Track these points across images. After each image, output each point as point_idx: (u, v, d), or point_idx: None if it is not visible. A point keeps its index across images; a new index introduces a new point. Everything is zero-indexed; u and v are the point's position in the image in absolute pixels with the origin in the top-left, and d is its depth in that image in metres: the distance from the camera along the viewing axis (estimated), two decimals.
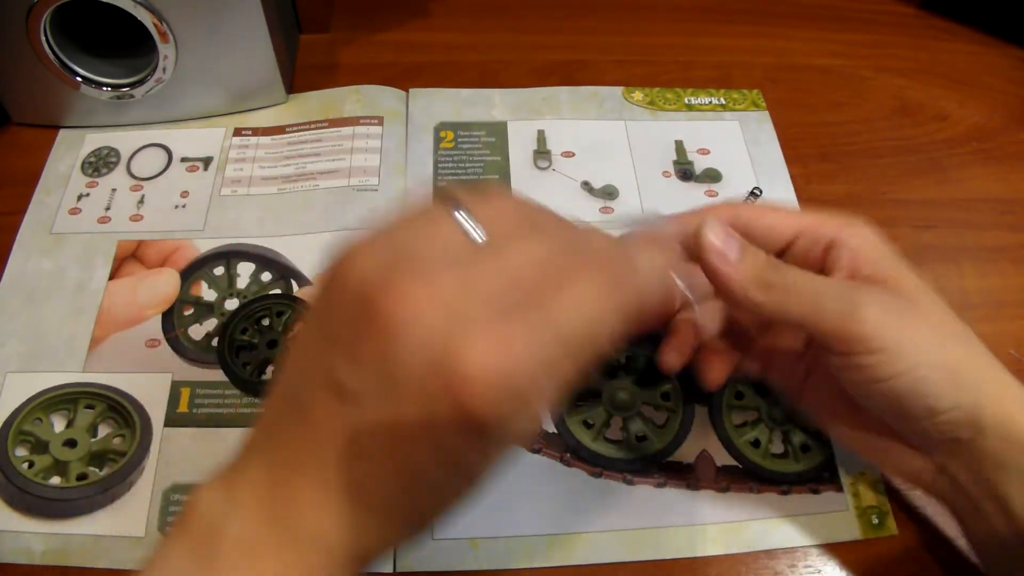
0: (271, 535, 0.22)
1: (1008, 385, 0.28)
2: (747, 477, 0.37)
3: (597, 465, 0.37)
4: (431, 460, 0.21)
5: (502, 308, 0.20)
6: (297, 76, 0.52)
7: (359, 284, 0.21)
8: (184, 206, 0.45)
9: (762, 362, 0.35)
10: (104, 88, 0.45)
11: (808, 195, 0.47)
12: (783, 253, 0.31)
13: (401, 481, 0.21)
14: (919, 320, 0.28)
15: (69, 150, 0.47)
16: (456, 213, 0.22)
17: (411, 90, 0.52)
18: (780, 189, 0.48)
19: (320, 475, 0.22)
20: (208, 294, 0.42)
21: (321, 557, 0.22)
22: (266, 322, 0.40)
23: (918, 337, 0.27)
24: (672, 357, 0.34)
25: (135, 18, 0.42)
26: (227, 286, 0.42)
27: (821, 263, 0.30)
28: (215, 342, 0.40)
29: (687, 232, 0.29)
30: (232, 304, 0.41)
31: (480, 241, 0.22)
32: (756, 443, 0.38)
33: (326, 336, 0.22)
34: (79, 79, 0.45)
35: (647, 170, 0.48)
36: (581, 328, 0.21)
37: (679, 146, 0.50)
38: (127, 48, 0.45)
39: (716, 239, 0.28)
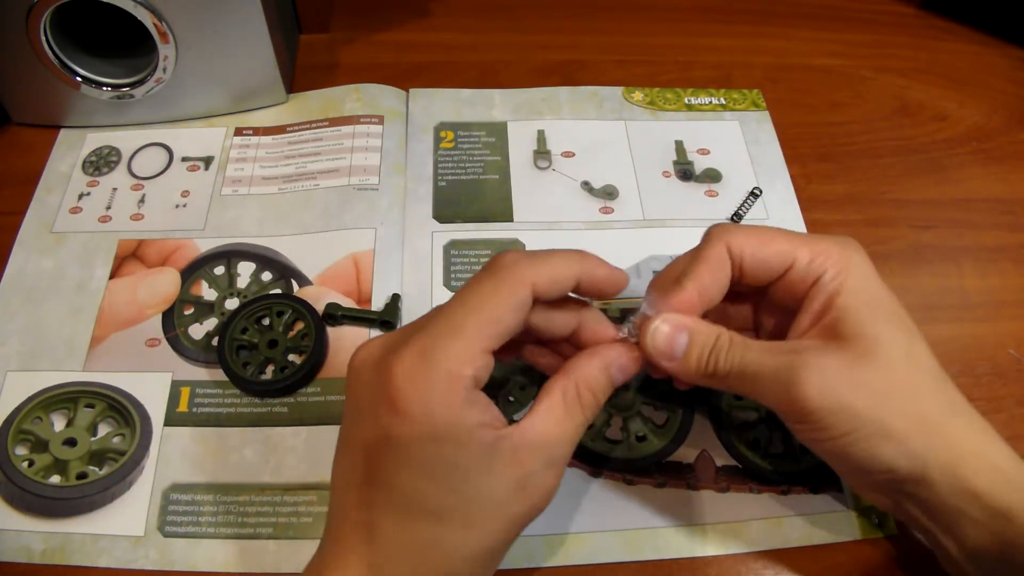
0: None
1: (959, 438, 0.28)
2: (747, 477, 0.37)
3: (597, 465, 0.37)
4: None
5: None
6: (297, 76, 0.52)
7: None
8: (185, 205, 0.45)
9: None
10: (104, 88, 0.45)
11: (808, 195, 0.47)
12: (776, 281, 0.31)
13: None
14: (863, 384, 0.28)
15: (70, 150, 0.47)
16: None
17: (411, 90, 0.52)
18: (780, 189, 0.48)
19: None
20: (208, 293, 0.42)
21: None
22: (266, 322, 0.40)
23: (857, 403, 0.27)
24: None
25: (135, 18, 0.42)
26: (227, 285, 0.42)
27: (803, 297, 0.30)
28: (215, 342, 0.40)
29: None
30: (232, 304, 0.41)
31: None
32: (756, 443, 0.38)
33: (371, 471, 0.27)
34: (79, 79, 0.45)
35: (647, 170, 0.48)
36: (466, 323, 0.26)
37: (679, 146, 0.50)
38: (127, 48, 0.45)
39: (661, 343, 0.29)
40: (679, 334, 0.29)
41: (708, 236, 0.31)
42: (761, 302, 0.34)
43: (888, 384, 0.28)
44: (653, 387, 0.39)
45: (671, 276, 0.31)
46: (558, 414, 0.28)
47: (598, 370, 0.29)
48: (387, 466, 0.26)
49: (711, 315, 0.31)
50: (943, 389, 0.29)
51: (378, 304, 0.41)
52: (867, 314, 0.29)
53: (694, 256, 0.31)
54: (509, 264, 0.27)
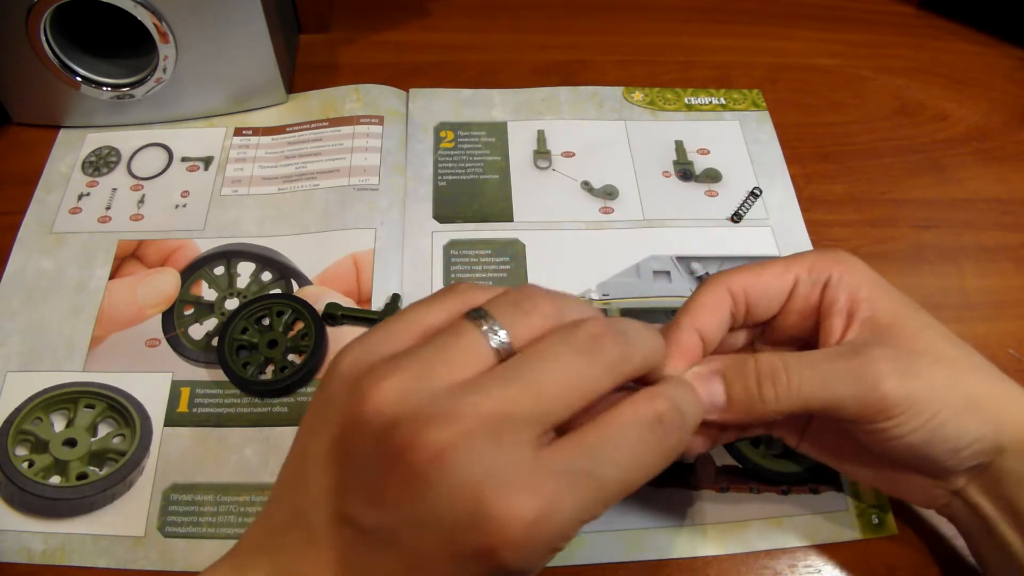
0: None
1: (1021, 403, 0.28)
2: (747, 477, 0.37)
3: None
4: None
5: (539, 451, 0.20)
6: (297, 76, 0.52)
7: (383, 428, 0.20)
8: (184, 206, 0.45)
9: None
10: (104, 88, 0.45)
11: (808, 195, 0.47)
12: (786, 304, 0.30)
13: None
14: (931, 365, 0.27)
15: (69, 150, 0.47)
16: (480, 324, 0.22)
17: (411, 90, 0.52)
18: (780, 189, 0.48)
19: None
20: (208, 294, 0.42)
21: None
22: (266, 322, 0.40)
23: (932, 385, 0.27)
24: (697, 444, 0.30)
25: (135, 18, 0.42)
26: (227, 286, 0.42)
27: (819, 305, 0.30)
28: (215, 342, 0.40)
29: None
30: (232, 304, 0.41)
31: (507, 350, 0.22)
32: (756, 443, 0.37)
33: (339, 470, 0.22)
34: (79, 79, 0.45)
35: (647, 170, 0.48)
36: (623, 481, 0.21)
37: (679, 146, 0.50)
38: (127, 48, 0.45)
39: (700, 402, 0.26)
40: (710, 381, 0.27)
41: (703, 284, 0.30)
42: (759, 339, 0.33)
43: (951, 359, 0.28)
44: None
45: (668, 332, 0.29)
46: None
47: None
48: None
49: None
50: (986, 360, 0.29)
51: (378, 304, 0.41)
52: (895, 302, 0.29)
53: (688, 302, 0.30)
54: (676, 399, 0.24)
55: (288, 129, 0.49)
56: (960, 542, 0.35)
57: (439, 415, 0.20)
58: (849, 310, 0.29)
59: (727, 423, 0.28)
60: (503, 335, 0.22)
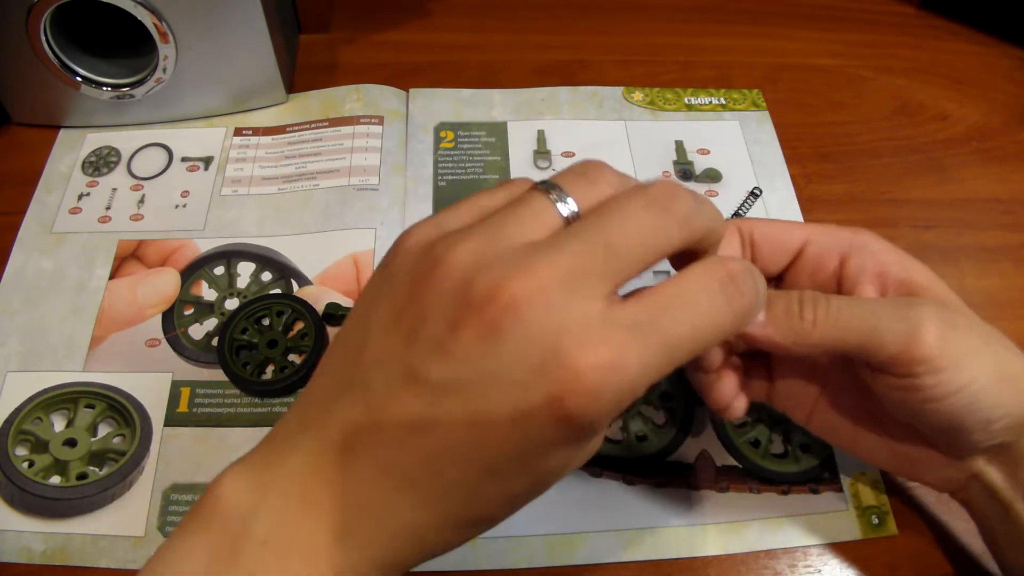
0: (309, 537, 0.21)
1: None
2: (747, 477, 0.37)
3: (597, 465, 0.37)
4: (509, 459, 0.20)
5: (610, 305, 0.20)
6: (297, 76, 0.52)
7: (458, 284, 0.20)
8: (184, 206, 0.45)
9: (767, 388, 0.32)
10: (104, 88, 0.45)
11: (808, 195, 0.47)
12: (793, 264, 0.30)
13: (468, 477, 0.21)
14: (970, 330, 0.27)
15: (69, 150, 0.47)
16: (548, 193, 0.22)
17: (411, 90, 0.52)
18: (780, 189, 0.48)
19: (379, 466, 0.21)
20: (208, 294, 0.42)
21: (368, 562, 0.21)
22: (266, 322, 0.40)
23: (973, 349, 0.26)
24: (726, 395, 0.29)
25: (135, 18, 0.42)
26: (227, 286, 0.42)
27: (837, 275, 0.29)
28: (215, 342, 0.40)
29: None
30: (232, 304, 0.41)
31: (576, 217, 0.22)
32: (756, 443, 0.38)
33: (407, 327, 0.21)
34: (79, 79, 0.45)
35: (647, 170, 0.48)
36: (693, 338, 0.21)
37: (679, 146, 0.50)
38: (127, 48, 0.45)
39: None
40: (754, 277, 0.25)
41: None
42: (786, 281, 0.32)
43: (982, 329, 0.27)
44: (653, 387, 0.39)
45: None
46: None
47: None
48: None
49: None
50: (1010, 341, 0.28)
51: None
52: (925, 269, 0.28)
53: None
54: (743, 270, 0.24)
55: (288, 129, 0.49)
56: (960, 542, 0.35)
57: (514, 270, 0.20)
58: (880, 274, 0.28)
59: (765, 344, 0.26)
60: (571, 202, 0.22)
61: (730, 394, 0.28)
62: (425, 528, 0.21)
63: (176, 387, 0.38)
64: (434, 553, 0.22)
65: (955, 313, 0.27)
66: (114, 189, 0.46)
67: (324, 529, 0.21)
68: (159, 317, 0.41)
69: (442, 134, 0.50)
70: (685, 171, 0.48)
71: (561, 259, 0.20)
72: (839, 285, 0.29)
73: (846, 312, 0.26)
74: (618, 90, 0.52)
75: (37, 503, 0.35)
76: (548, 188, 0.22)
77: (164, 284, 0.42)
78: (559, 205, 0.22)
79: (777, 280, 0.31)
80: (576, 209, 0.22)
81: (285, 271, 0.43)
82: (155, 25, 0.42)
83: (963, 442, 0.28)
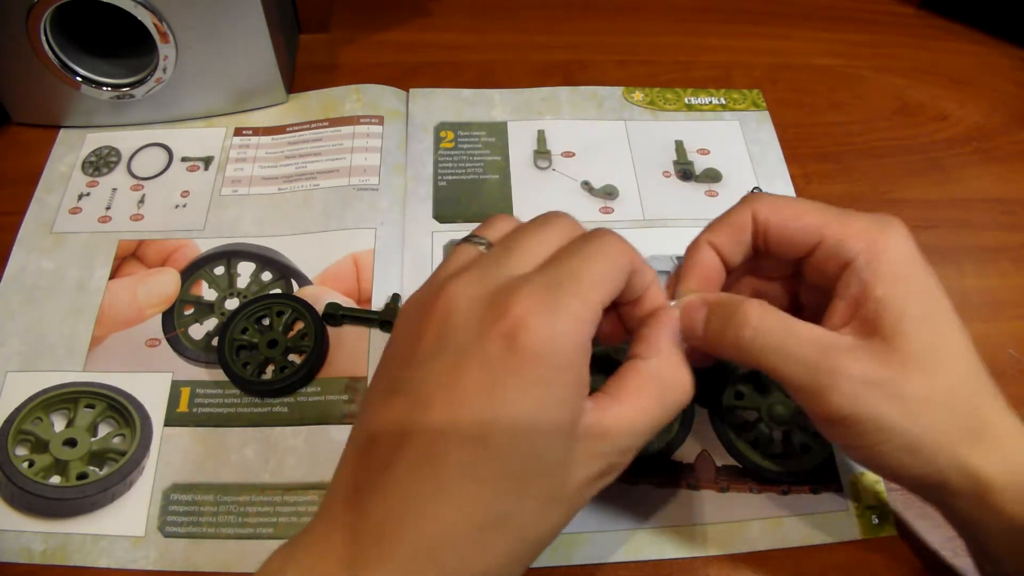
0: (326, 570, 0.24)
1: (988, 451, 0.27)
2: (747, 477, 0.37)
3: None
4: (496, 399, 0.23)
5: (531, 278, 0.25)
6: (297, 76, 0.52)
7: (405, 319, 0.27)
8: (184, 206, 0.45)
9: None
10: (104, 88, 0.45)
11: (808, 195, 0.47)
12: (806, 257, 0.30)
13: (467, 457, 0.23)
14: (897, 396, 0.26)
15: (69, 150, 0.47)
16: (472, 242, 0.28)
17: (411, 90, 0.52)
18: (780, 189, 0.48)
19: (387, 486, 0.24)
20: (208, 294, 0.42)
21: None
22: (266, 322, 0.40)
23: (890, 415, 0.26)
24: None
25: (135, 18, 0.42)
26: (227, 286, 0.42)
27: (835, 279, 0.29)
28: (215, 342, 0.40)
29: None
30: (232, 304, 0.41)
31: (487, 248, 0.28)
32: (756, 443, 0.38)
33: (383, 373, 0.27)
34: (79, 79, 0.45)
35: (647, 170, 0.48)
36: (587, 273, 0.25)
37: (679, 146, 0.50)
38: (127, 48, 0.45)
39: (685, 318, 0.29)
40: (698, 309, 0.29)
41: (740, 201, 0.31)
42: (801, 278, 0.32)
43: (925, 394, 0.27)
44: None
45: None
46: (646, 404, 0.26)
47: (680, 360, 0.27)
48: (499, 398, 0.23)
49: (748, 276, 0.32)
50: (980, 395, 0.28)
51: (378, 304, 0.41)
52: (908, 309, 0.27)
53: (718, 217, 0.31)
54: (609, 232, 0.27)
55: (288, 129, 0.49)
56: (959, 542, 0.35)
57: (444, 282, 0.26)
58: (856, 301, 0.28)
59: (703, 349, 0.29)
60: (485, 243, 0.28)
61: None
62: (448, 533, 0.23)
63: (176, 387, 0.38)
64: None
65: (887, 368, 0.26)
66: (114, 189, 0.46)
67: (337, 560, 0.23)
68: (159, 317, 0.41)
69: (442, 134, 0.50)
70: (685, 171, 0.48)
71: (475, 272, 0.26)
72: (834, 290, 0.29)
73: (768, 345, 0.27)
74: (618, 90, 0.52)
75: (37, 503, 0.35)
76: (472, 239, 0.29)
77: (164, 284, 0.42)
78: (478, 246, 0.28)
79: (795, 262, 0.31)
80: (489, 242, 0.29)
81: (285, 271, 0.43)
82: (155, 25, 0.42)
83: (892, 480, 0.30)
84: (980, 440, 0.27)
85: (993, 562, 0.28)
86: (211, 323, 0.41)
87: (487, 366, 0.23)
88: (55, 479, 0.35)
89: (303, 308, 0.40)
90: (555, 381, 0.23)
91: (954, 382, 0.27)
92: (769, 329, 0.27)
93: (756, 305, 0.28)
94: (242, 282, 0.42)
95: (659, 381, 0.27)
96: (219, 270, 0.43)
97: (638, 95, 0.52)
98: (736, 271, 0.32)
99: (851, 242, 0.28)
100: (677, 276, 0.31)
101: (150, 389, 0.38)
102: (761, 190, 0.47)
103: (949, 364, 0.27)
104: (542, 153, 0.49)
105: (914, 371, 0.27)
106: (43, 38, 0.42)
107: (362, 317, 0.40)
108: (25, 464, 0.36)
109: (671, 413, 0.27)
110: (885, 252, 0.28)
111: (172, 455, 0.36)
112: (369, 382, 0.28)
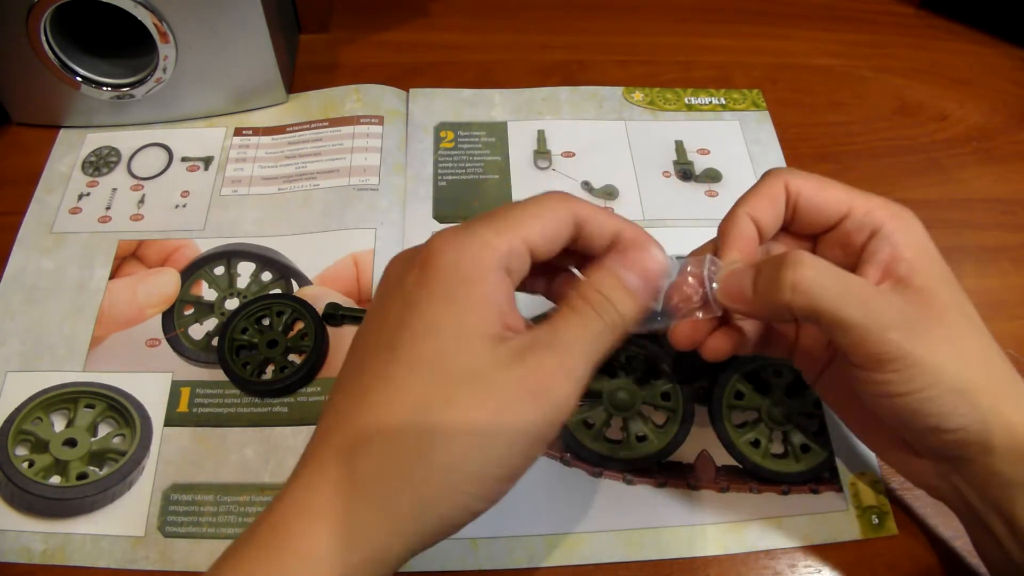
0: (306, 533, 0.23)
1: (1022, 406, 0.28)
2: (747, 477, 0.37)
3: (597, 465, 0.37)
4: (484, 338, 0.25)
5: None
6: (297, 76, 0.52)
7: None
8: (184, 206, 0.45)
9: (788, 344, 0.34)
10: (104, 88, 0.45)
11: None
12: (829, 231, 0.31)
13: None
14: (941, 339, 0.27)
15: (69, 150, 0.47)
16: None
17: (411, 90, 0.52)
18: None
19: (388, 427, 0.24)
20: (208, 294, 0.42)
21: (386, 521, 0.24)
22: (266, 322, 0.40)
23: (936, 358, 0.27)
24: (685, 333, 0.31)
25: (135, 18, 0.42)
26: (227, 286, 0.42)
27: (861, 250, 0.30)
28: (215, 342, 0.40)
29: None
30: (232, 304, 0.41)
31: None
32: (756, 443, 0.38)
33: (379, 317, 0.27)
34: (79, 79, 0.45)
35: (647, 170, 0.48)
36: (510, 212, 0.26)
37: (679, 146, 0.50)
38: (127, 48, 0.45)
39: (734, 286, 0.29)
40: (744, 274, 0.29)
41: (766, 174, 0.31)
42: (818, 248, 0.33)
43: (964, 342, 0.28)
44: (653, 387, 0.39)
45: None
46: (570, 319, 0.26)
47: (609, 271, 0.27)
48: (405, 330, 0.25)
49: None
50: (1003, 358, 0.29)
51: None
52: (935, 273, 0.29)
53: (750, 190, 0.31)
54: (555, 191, 0.28)
55: (288, 129, 0.49)
56: (960, 542, 0.35)
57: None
58: (888, 264, 0.29)
59: (750, 314, 0.29)
60: None
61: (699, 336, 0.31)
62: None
63: (176, 387, 0.38)
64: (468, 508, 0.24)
65: (930, 318, 0.27)
66: (114, 189, 0.46)
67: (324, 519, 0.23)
68: (159, 317, 0.41)
69: (442, 134, 0.50)
70: (685, 171, 0.48)
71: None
72: (859, 258, 0.30)
73: (823, 284, 0.27)
74: (618, 90, 0.52)
75: (37, 503, 0.35)
76: None
77: (164, 284, 0.42)
78: None
79: (813, 239, 0.32)
80: None
81: (285, 271, 0.42)
82: (155, 25, 0.42)
83: (923, 443, 0.29)
84: (1018, 394, 0.28)
85: (1017, 537, 0.28)
86: (211, 323, 0.41)
87: (403, 291, 0.26)
88: (55, 479, 0.35)
89: (303, 308, 0.40)
90: (458, 296, 0.25)
91: (987, 339, 0.29)
92: (826, 272, 0.27)
93: (806, 253, 0.28)
94: (242, 282, 0.42)
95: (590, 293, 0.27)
96: (219, 270, 0.43)
97: (638, 95, 0.52)
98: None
99: (878, 212, 0.30)
100: (713, 246, 0.31)
101: (150, 389, 0.38)
102: None
103: (974, 328, 0.29)
104: (542, 153, 0.49)
105: (954, 321, 0.28)
106: (43, 38, 0.42)
107: (362, 317, 0.40)
108: (25, 464, 0.36)
109: (600, 338, 0.26)
110: (908, 226, 0.30)
111: (172, 455, 0.36)
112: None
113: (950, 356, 0.27)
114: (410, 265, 0.26)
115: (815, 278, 0.27)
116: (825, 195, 0.31)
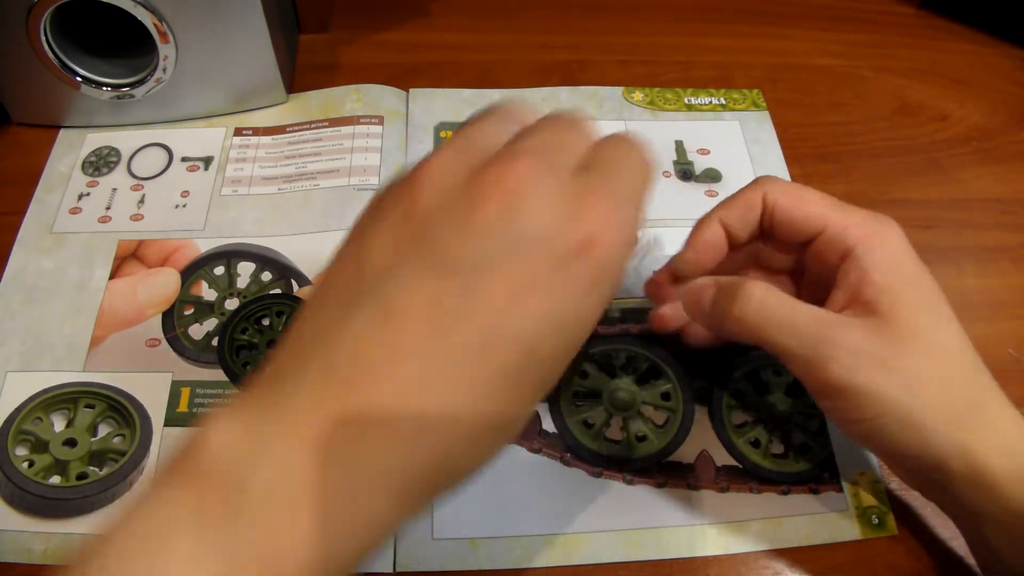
0: (322, 485, 0.18)
1: (985, 434, 0.27)
2: (747, 477, 0.37)
3: (597, 465, 0.37)
4: (547, 321, 0.21)
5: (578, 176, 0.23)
6: (297, 76, 0.52)
7: (449, 179, 0.22)
8: (184, 206, 0.45)
9: None
10: (104, 88, 0.45)
11: None
12: (808, 243, 0.31)
13: (510, 357, 0.20)
14: (893, 370, 0.27)
15: (69, 150, 0.47)
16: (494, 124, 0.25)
17: (411, 90, 0.52)
18: None
19: (408, 377, 0.20)
20: (208, 294, 0.42)
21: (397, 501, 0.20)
22: (266, 322, 0.40)
23: (886, 388, 0.27)
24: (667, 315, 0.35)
25: (135, 18, 0.42)
26: (227, 286, 0.42)
27: (835, 269, 0.30)
28: (215, 342, 0.40)
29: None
30: (232, 304, 0.41)
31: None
32: (756, 443, 0.38)
33: (414, 229, 0.21)
34: (79, 79, 0.45)
35: None
36: (639, 194, 0.24)
37: (679, 146, 0.50)
38: (127, 48, 0.45)
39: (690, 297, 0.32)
40: (705, 290, 0.31)
41: (752, 182, 0.33)
42: (803, 274, 0.34)
43: (921, 372, 0.27)
44: (653, 387, 0.39)
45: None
46: None
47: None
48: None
49: (752, 269, 0.34)
50: (976, 380, 0.29)
51: None
52: (904, 295, 0.28)
53: (732, 195, 0.33)
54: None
55: (288, 129, 0.49)
56: (959, 542, 0.35)
57: (508, 159, 0.22)
58: (856, 289, 0.29)
59: (707, 327, 0.32)
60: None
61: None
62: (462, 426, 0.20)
63: (176, 387, 0.38)
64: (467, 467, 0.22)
65: (886, 344, 0.27)
66: (114, 189, 0.46)
67: (339, 481, 0.19)
68: (159, 317, 0.41)
69: (442, 134, 0.50)
70: (685, 171, 0.48)
71: (536, 148, 0.22)
72: (834, 279, 0.30)
73: (768, 318, 0.28)
74: (618, 90, 0.52)
75: (37, 503, 0.35)
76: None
77: (164, 284, 0.42)
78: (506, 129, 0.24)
79: (798, 248, 0.33)
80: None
81: (285, 271, 0.43)
82: (155, 25, 0.42)
83: (887, 464, 0.31)
84: (977, 423, 0.28)
85: (993, 551, 0.28)
86: (211, 323, 0.41)
87: (556, 265, 0.21)
88: (55, 479, 0.35)
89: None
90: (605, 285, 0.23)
91: (950, 365, 0.28)
92: (772, 305, 0.29)
93: (760, 284, 0.29)
94: (242, 282, 0.42)
95: None
96: (219, 270, 0.43)
97: (638, 95, 0.52)
98: (741, 259, 0.34)
99: (852, 231, 0.30)
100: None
101: (150, 389, 0.38)
102: None
103: (945, 348, 0.28)
104: None
105: (910, 349, 0.28)
106: (43, 38, 0.42)
107: None
108: (25, 464, 0.36)
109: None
110: (883, 244, 0.29)
111: (172, 455, 0.36)
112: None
113: (900, 386, 0.27)
114: (564, 230, 0.22)
115: (759, 311, 0.28)
116: (801, 211, 0.31)
